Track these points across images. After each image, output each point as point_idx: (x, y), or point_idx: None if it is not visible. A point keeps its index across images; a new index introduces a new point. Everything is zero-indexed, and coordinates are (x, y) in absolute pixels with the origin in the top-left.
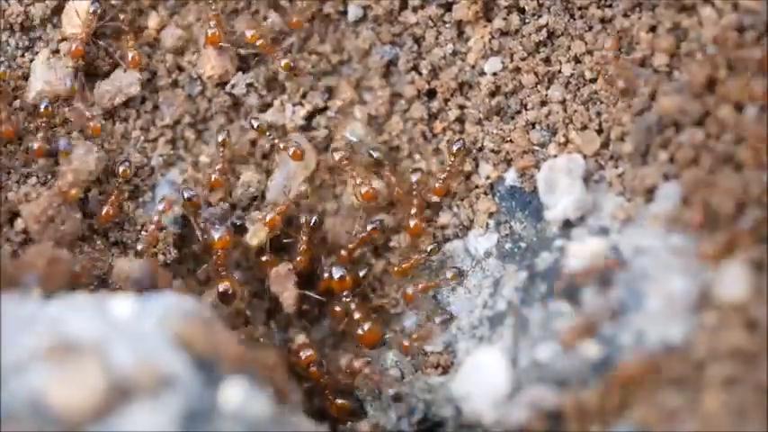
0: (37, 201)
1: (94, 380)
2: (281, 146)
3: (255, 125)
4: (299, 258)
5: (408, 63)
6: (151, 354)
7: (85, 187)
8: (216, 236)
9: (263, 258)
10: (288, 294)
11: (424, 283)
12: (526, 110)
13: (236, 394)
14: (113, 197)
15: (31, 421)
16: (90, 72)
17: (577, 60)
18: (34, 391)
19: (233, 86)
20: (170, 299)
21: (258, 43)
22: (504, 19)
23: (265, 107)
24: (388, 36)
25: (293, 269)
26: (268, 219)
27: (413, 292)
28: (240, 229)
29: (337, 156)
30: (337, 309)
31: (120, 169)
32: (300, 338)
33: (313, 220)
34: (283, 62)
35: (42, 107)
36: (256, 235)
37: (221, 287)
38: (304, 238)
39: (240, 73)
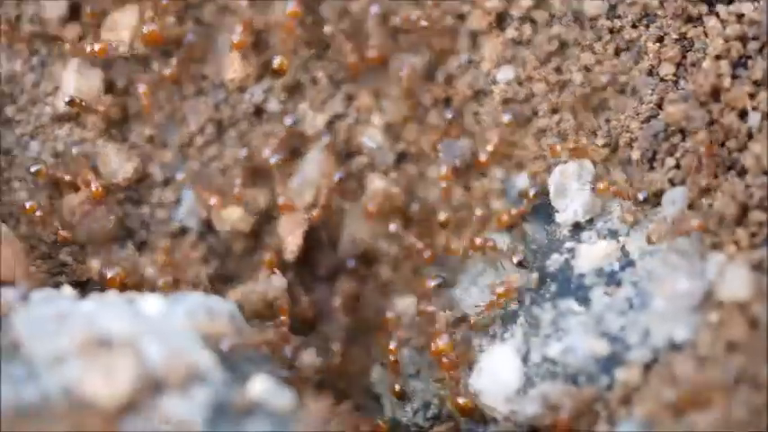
0: (77, 193)
1: (127, 374)
2: None
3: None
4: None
5: (424, 71)
6: (180, 350)
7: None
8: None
9: (279, 202)
10: (292, 239)
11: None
12: (537, 117)
13: (262, 390)
14: None
15: (66, 413)
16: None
17: (587, 69)
18: (70, 383)
19: (251, 95)
20: (197, 297)
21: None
22: (517, 29)
23: (286, 113)
24: (404, 46)
25: (307, 219)
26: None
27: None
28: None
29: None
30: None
31: None
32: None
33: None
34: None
35: None
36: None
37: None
38: (324, 189)
39: (258, 82)
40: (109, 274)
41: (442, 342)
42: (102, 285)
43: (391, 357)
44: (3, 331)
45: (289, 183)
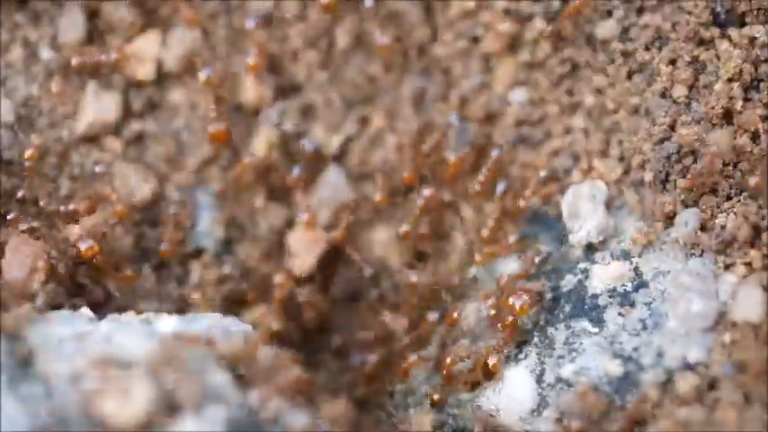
0: (93, 216)
1: (143, 393)
2: None
3: None
4: (337, 233)
5: (438, 93)
6: (196, 370)
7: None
8: None
9: (301, 218)
10: (304, 258)
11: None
12: (550, 138)
13: (276, 409)
14: None
15: (85, 430)
16: None
17: (599, 92)
18: (88, 402)
19: (265, 118)
20: (212, 318)
21: None
22: (530, 52)
23: (301, 135)
24: (418, 68)
25: (325, 239)
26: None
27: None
28: None
29: None
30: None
31: None
32: None
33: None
34: None
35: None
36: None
37: None
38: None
39: (272, 106)
40: (83, 247)
41: (519, 301)
42: (78, 257)
43: (444, 372)
44: (20, 350)
45: (309, 200)
